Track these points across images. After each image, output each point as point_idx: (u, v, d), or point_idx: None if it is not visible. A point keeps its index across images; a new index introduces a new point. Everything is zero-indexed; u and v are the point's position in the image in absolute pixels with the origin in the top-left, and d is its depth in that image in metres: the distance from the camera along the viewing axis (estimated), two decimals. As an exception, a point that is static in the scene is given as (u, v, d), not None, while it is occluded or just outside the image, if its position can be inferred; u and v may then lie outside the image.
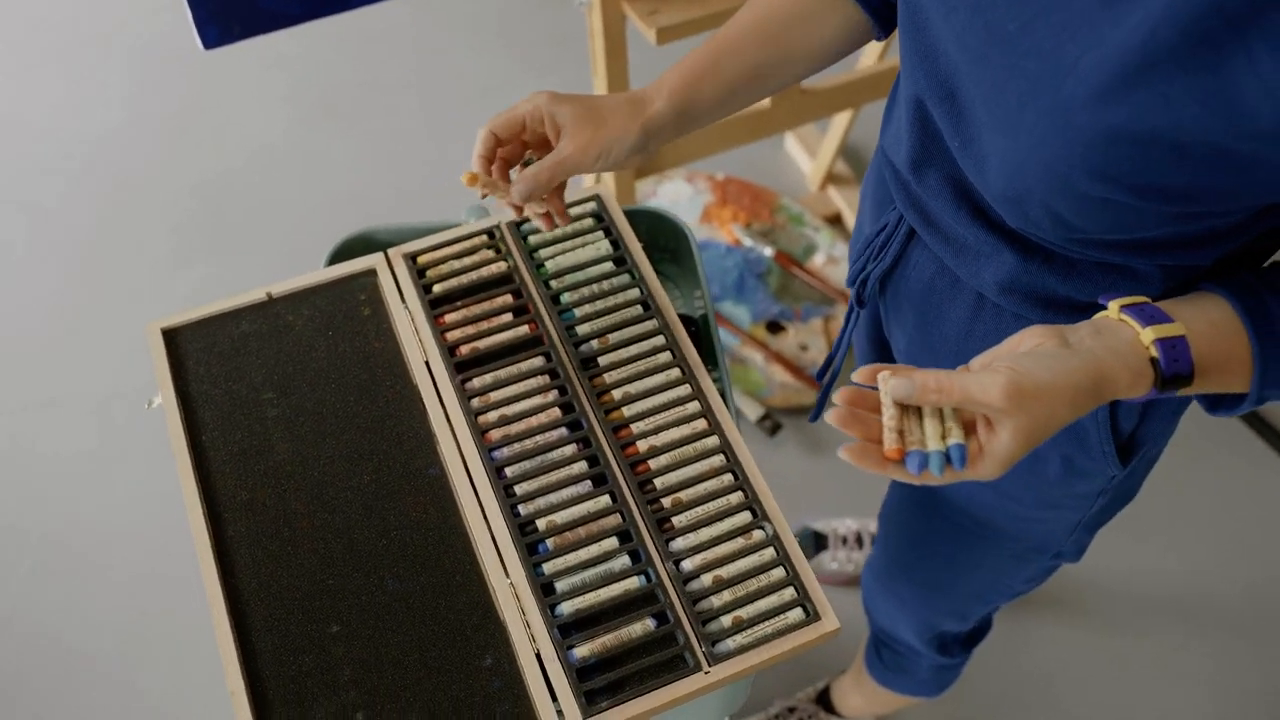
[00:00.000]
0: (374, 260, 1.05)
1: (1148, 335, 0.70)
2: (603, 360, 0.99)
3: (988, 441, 0.69)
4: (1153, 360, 0.70)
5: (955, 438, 0.70)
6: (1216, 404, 0.79)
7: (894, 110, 0.91)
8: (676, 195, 2.29)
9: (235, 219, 2.30)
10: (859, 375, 0.72)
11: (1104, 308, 0.74)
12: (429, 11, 2.68)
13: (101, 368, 2.07)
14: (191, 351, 1.01)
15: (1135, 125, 0.63)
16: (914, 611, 1.28)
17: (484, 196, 0.91)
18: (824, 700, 1.66)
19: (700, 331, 1.11)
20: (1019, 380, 0.67)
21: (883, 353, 1.12)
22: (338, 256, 1.10)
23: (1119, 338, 0.71)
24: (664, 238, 1.15)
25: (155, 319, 1.01)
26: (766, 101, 1.75)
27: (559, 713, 0.83)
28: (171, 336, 1.01)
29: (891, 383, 0.70)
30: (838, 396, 0.71)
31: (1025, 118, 0.69)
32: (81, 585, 1.83)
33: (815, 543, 1.86)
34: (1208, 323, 0.72)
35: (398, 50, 2.61)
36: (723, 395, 1.03)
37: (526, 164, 0.93)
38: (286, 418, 0.97)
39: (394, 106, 2.51)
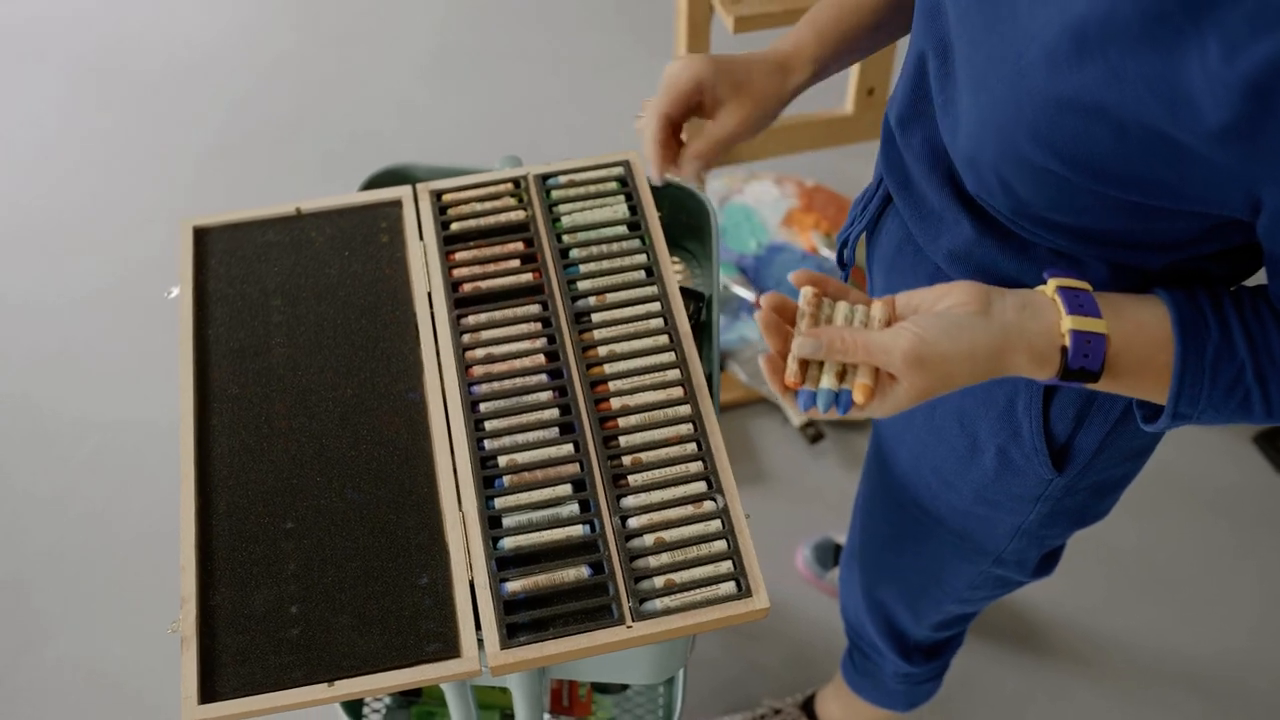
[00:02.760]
0: (401, 192, 1.09)
1: (1066, 323, 0.71)
2: (596, 317, 1.01)
3: (884, 387, 0.72)
4: (1063, 349, 0.71)
5: (857, 379, 0.73)
6: (1147, 418, 0.79)
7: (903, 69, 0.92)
8: (763, 195, 2.30)
9: (336, 161, 2.38)
10: (794, 276, 0.76)
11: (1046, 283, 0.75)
12: (556, -14, 2.73)
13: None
14: (216, 251, 1.06)
15: (1083, 97, 0.64)
16: (867, 595, 1.28)
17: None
18: (809, 707, 1.65)
19: (705, 309, 1.12)
20: (920, 349, 0.69)
21: None
22: (372, 184, 1.15)
23: (1040, 318, 0.72)
24: (688, 214, 1.16)
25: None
26: (849, 107, 1.75)
27: (480, 640, 0.86)
28: (201, 235, 1.07)
29: (798, 340, 0.73)
30: (764, 299, 0.75)
31: (988, 79, 0.71)
32: (108, 468, 1.93)
33: (835, 555, 1.85)
34: (1136, 324, 0.72)
35: (520, 18, 2.67)
36: (709, 376, 1.04)
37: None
38: (288, 325, 1.01)
39: (505, 74, 2.57)
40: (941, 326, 0.70)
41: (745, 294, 2.13)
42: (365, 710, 1.26)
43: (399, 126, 2.46)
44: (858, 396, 0.72)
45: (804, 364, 0.73)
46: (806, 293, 0.75)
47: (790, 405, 0.74)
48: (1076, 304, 0.71)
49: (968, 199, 0.83)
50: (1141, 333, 0.72)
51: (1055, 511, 0.99)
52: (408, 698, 1.26)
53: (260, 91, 2.51)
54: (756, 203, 2.29)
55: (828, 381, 0.73)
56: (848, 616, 1.38)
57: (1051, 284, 0.73)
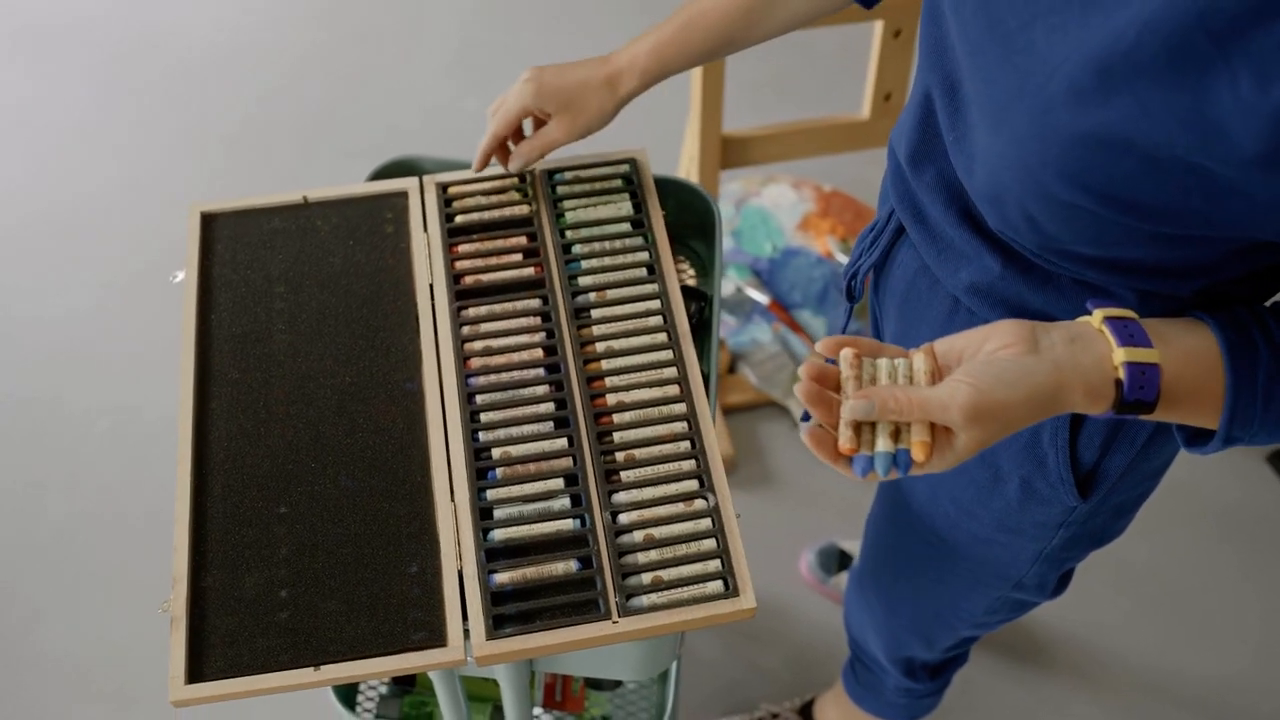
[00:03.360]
0: (408, 183, 1.10)
1: (1119, 355, 0.68)
2: (595, 313, 1.02)
3: (942, 443, 0.69)
4: (1117, 381, 0.69)
5: (913, 437, 0.69)
6: (1190, 441, 0.77)
7: (908, 107, 0.91)
8: (779, 199, 2.29)
9: (358, 154, 2.40)
10: (822, 346, 0.72)
11: (1088, 313, 0.72)
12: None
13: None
14: (222, 237, 1.07)
15: (1110, 132, 0.62)
16: (880, 623, 1.27)
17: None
18: (807, 713, 1.65)
19: (707, 309, 1.12)
20: (978, 401, 0.66)
21: None
22: (380, 175, 1.15)
23: (1090, 351, 0.69)
24: (694, 214, 1.16)
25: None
26: (865, 112, 1.74)
27: (466, 631, 0.86)
28: (209, 220, 1.08)
29: (849, 404, 0.69)
30: (802, 370, 0.71)
31: (1009, 114, 0.69)
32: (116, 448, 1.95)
33: (839, 561, 1.84)
34: (1184, 350, 0.70)
35: (543, 17, 2.68)
36: (705, 376, 1.04)
37: None
38: (290, 312, 1.02)
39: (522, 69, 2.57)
40: (995, 374, 0.67)
41: (758, 297, 2.13)
42: (359, 698, 1.27)
43: (420, 121, 2.47)
44: (917, 455, 0.69)
45: (856, 428, 0.70)
46: (846, 355, 0.72)
47: (845, 472, 0.71)
48: (1127, 335, 0.69)
49: (988, 233, 0.81)
50: (1192, 359, 0.70)
51: (1077, 535, 0.98)
52: (401, 687, 1.26)
53: (285, 85, 2.52)
54: (773, 206, 2.28)
55: (883, 444, 0.69)
56: (852, 632, 1.38)
57: (1098, 315, 0.70)
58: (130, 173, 2.35)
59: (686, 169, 1.84)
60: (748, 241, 2.22)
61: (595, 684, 1.33)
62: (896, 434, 0.70)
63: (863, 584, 1.27)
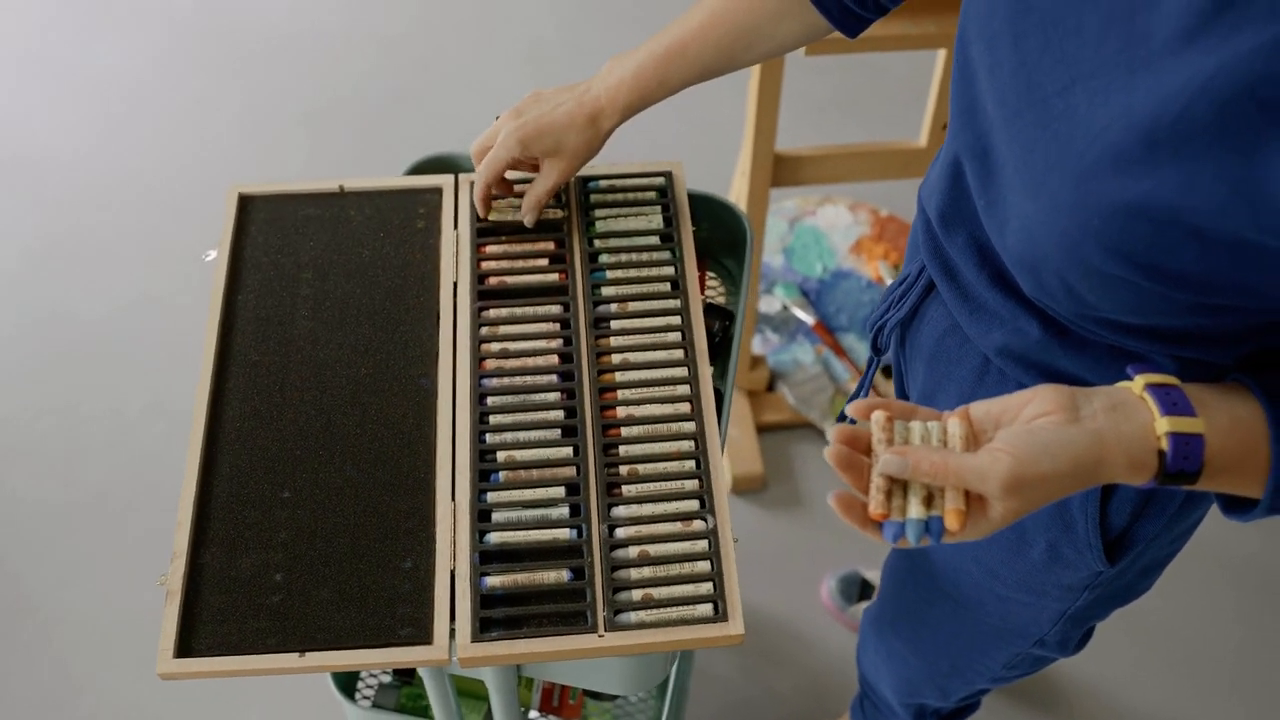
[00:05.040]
0: (443, 180, 1.11)
1: (1162, 425, 0.66)
2: (615, 324, 1.02)
3: (976, 511, 0.67)
4: (1160, 452, 0.66)
5: (944, 506, 0.67)
6: (1229, 506, 0.74)
7: (937, 162, 0.90)
8: (835, 220, 2.27)
9: (413, 146, 2.42)
10: (853, 409, 0.70)
11: (1128, 378, 0.69)
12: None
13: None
14: (257, 219, 1.09)
15: (1156, 202, 0.60)
16: (895, 669, 1.25)
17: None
18: (811, 741, 1.63)
19: (732, 328, 1.11)
20: (1019, 472, 0.64)
21: None
22: (418, 170, 1.16)
23: (1132, 420, 0.67)
24: (728, 231, 1.16)
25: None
26: (923, 140, 1.72)
27: (452, 631, 0.87)
28: (246, 202, 1.10)
29: (882, 458, 0.67)
30: (833, 434, 0.69)
31: (1047, 181, 0.67)
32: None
33: (860, 590, 1.82)
34: (1230, 419, 0.68)
35: (616, 18, 2.68)
36: (719, 395, 1.03)
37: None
38: (315, 299, 1.03)
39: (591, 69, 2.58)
40: (1039, 444, 0.65)
41: (804, 317, 2.11)
42: (359, 684, 1.28)
43: (485, 117, 2.49)
44: (951, 523, 0.66)
45: (888, 493, 0.68)
46: (878, 418, 0.69)
47: (874, 537, 0.69)
48: (1170, 403, 0.66)
49: (1022, 297, 0.79)
50: (1237, 427, 0.68)
51: (1103, 596, 0.95)
52: (401, 678, 1.27)
53: (356, 76, 2.56)
54: (828, 226, 2.26)
55: (916, 510, 0.67)
56: (864, 671, 1.36)
57: (1139, 381, 0.68)
58: (199, 155, 2.40)
59: (738, 184, 1.83)
60: (799, 260, 2.21)
61: (594, 693, 1.33)
62: (929, 500, 0.68)
63: (879, 628, 1.25)
